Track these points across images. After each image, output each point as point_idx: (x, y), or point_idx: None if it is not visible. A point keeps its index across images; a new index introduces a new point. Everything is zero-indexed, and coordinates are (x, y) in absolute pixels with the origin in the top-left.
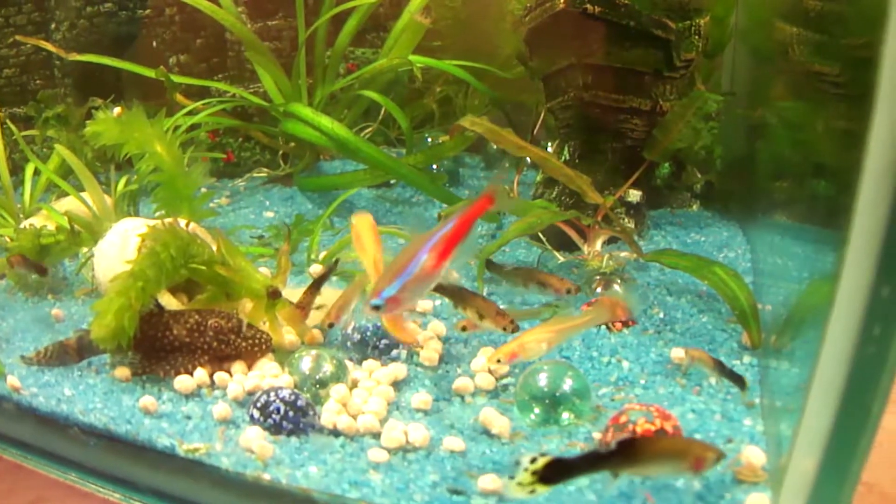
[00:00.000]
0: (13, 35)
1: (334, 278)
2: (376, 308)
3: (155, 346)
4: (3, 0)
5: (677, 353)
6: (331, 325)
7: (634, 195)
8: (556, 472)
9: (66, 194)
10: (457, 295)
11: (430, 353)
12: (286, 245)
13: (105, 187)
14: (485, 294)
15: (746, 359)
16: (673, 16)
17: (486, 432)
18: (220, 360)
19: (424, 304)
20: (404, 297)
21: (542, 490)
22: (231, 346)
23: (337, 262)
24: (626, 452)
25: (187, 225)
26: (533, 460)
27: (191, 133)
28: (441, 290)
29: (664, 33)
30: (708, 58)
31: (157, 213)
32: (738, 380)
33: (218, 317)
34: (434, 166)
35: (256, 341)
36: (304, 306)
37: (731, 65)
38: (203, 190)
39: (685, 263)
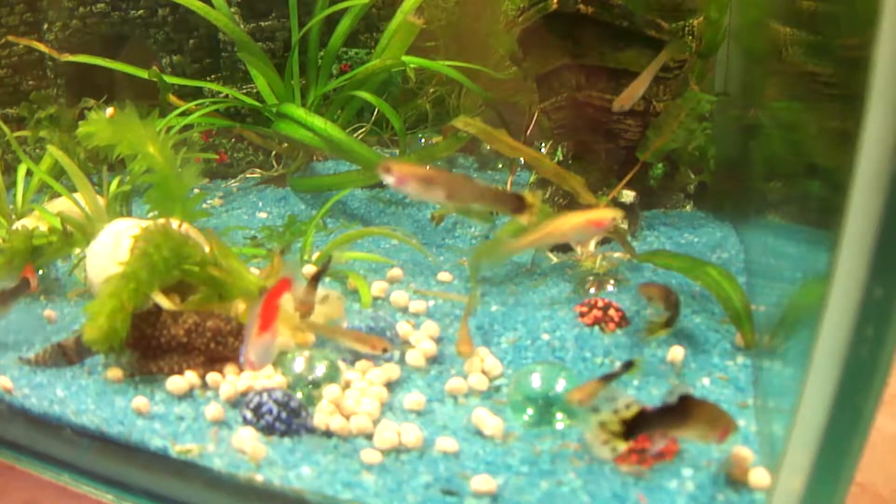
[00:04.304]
0: (5, 35)
1: (326, 279)
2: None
3: (152, 346)
4: None
5: (672, 354)
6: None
7: (628, 196)
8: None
9: (59, 195)
10: None
11: (423, 354)
12: (280, 250)
13: (97, 188)
14: (479, 296)
15: (740, 359)
16: (666, 16)
17: (479, 433)
18: (214, 361)
19: (417, 305)
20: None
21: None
22: (229, 348)
23: (330, 259)
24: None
25: (180, 226)
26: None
27: (183, 134)
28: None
29: (657, 34)
30: (701, 58)
31: (150, 214)
32: (626, 366)
33: (217, 319)
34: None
35: None
36: (307, 305)
37: (724, 65)
38: (196, 191)
39: (678, 264)
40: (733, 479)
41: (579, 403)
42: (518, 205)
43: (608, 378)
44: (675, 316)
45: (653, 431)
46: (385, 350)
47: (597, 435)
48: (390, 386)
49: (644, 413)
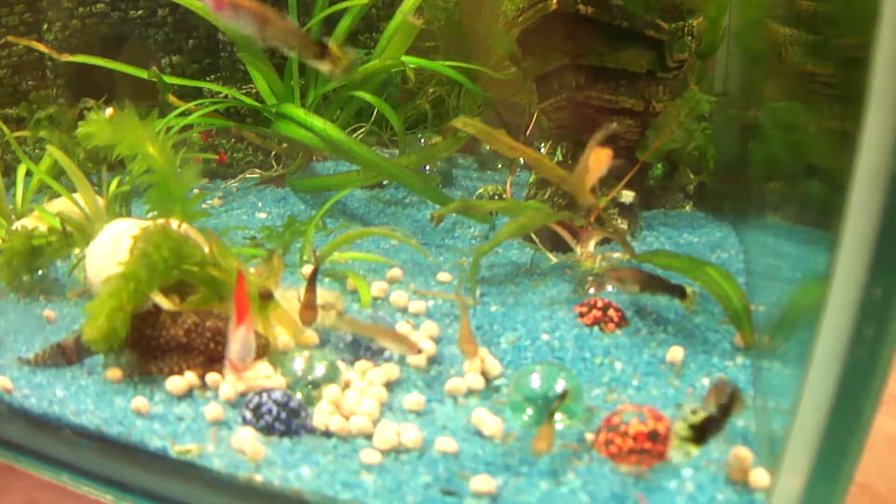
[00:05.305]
0: (5, 36)
1: (326, 279)
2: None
3: (151, 346)
4: None
5: (672, 354)
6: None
7: (627, 196)
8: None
9: (58, 195)
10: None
11: (422, 354)
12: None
13: (97, 188)
14: (478, 295)
15: (739, 359)
16: (666, 16)
17: (479, 433)
18: (213, 361)
19: (417, 306)
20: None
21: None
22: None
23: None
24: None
25: (179, 226)
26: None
27: (183, 134)
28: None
29: (657, 34)
30: (701, 58)
31: (150, 214)
32: (560, 397)
33: (216, 319)
34: (427, 167)
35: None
36: (311, 307)
37: (724, 65)
38: (195, 191)
39: (678, 264)
40: (733, 479)
41: (547, 451)
42: (320, 51)
43: (550, 414)
44: (675, 288)
45: (719, 431)
46: (420, 352)
47: (674, 443)
48: (390, 386)
49: (711, 418)
